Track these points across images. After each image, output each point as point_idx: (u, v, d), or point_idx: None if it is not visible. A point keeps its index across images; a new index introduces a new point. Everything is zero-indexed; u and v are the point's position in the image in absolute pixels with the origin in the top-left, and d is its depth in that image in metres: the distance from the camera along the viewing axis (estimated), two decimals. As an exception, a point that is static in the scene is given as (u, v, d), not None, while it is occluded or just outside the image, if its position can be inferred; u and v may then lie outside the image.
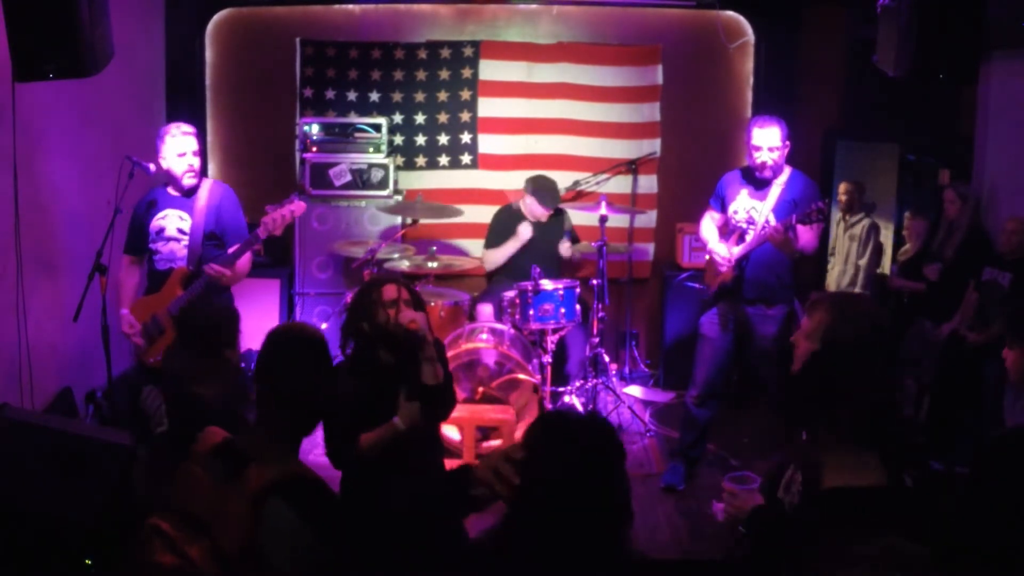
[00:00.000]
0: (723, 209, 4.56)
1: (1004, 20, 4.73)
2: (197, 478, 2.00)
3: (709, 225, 4.64)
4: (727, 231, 4.56)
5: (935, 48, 3.68)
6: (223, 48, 6.26)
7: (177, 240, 4.24)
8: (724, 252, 4.43)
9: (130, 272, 4.32)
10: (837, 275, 6.25)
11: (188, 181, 4.25)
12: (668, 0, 6.21)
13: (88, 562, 2.82)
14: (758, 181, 4.39)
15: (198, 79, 6.20)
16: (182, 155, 4.21)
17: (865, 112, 6.17)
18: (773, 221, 4.30)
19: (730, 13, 6.17)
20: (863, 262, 6.05)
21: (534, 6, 6.23)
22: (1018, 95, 5.32)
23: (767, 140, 4.29)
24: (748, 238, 4.36)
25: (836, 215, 6.36)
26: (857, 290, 5.99)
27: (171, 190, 4.28)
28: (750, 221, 4.39)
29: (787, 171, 4.38)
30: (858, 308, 2.22)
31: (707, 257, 4.63)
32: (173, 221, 4.27)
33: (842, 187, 6.18)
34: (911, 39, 3.70)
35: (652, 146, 6.26)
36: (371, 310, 3.03)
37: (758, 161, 4.31)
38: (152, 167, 4.30)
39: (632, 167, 6.20)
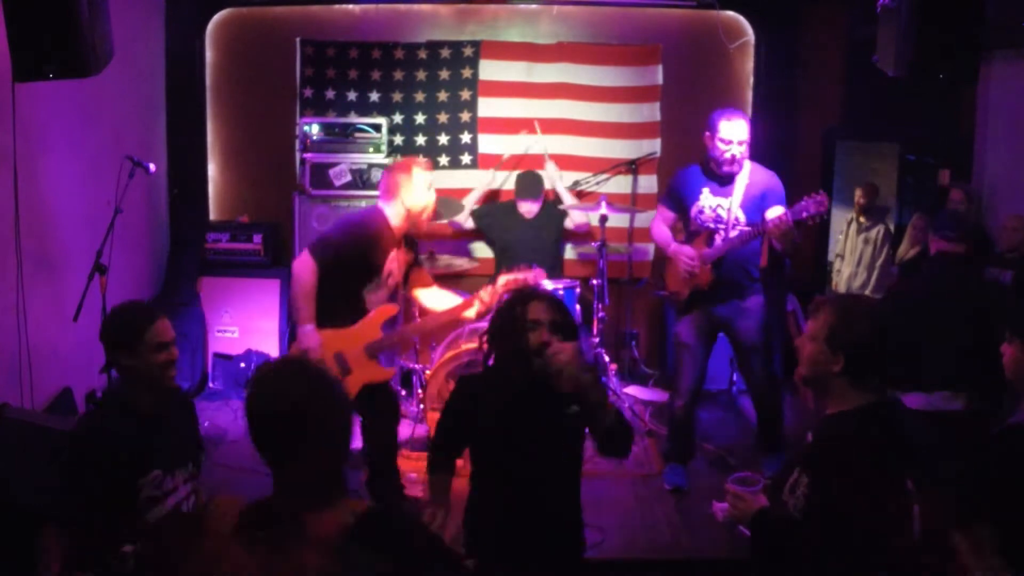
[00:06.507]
0: (677, 209, 4.44)
1: (1004, 20, 4.73)
2: (239, 556, 1.77)
3: (663, 227, 4.50)
4: (688, 232, 4.42)
5: (935, 48, 3.68)
6: (223, 48, 6.26)
7: (385, 288, 3.96)
8: (692, 254, 4.29)
9: (313, 274, 3.73)
10: (848, 277, 6.24)
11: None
12: (668, 0, 6.21)
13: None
14: (720, 177, 4.26)
15: (198, 79, 6.20)
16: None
17: (865, 112, 6.16)
18: (742, 217, 4.21)
19: (730, 13, 6.17)
20: (880, 263, 6.05)
21: (534, 6, 6.23)
22: (1018, 95, 5.32)
23: (737, 134, 4.16)
24: (718, 238, 4.25)
25: (847, 216, 6.36)
26: (869, 292, 6.00)
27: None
28: (718, 220, 4.27)
29: (748, 164, 4.27)
30: (863, 310, 2.21)
31: (670, 261, 4.46)
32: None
33: (859, 191, 6.18)
34: (911, 39, 3.70)
35: (652, 146, 6.26)
36: (513, 327, 2.72)
37: (727, 156, 4.17)
38: (152, 167, 4.28)
39: (632, 167, 6.19)
